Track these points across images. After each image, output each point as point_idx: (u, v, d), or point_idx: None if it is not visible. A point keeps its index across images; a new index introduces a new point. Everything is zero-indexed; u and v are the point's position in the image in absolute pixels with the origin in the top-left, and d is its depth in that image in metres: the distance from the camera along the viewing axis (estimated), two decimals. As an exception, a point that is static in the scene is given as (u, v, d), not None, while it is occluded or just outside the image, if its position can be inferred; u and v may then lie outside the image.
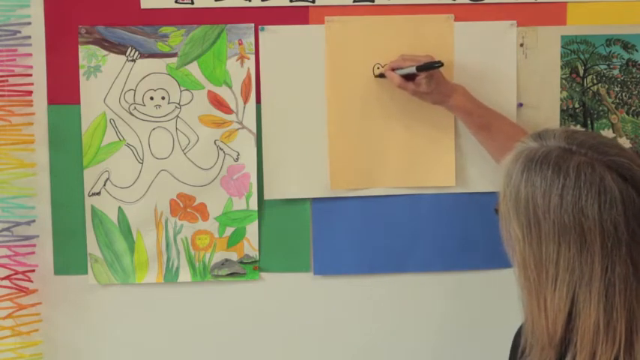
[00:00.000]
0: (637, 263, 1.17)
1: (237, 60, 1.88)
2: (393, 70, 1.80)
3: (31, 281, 1.89)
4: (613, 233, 1.16)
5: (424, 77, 1.76)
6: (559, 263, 1.18)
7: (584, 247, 1.16)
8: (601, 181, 1.17)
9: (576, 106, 1.92)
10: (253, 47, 1.88)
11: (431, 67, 1.75)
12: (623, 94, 1.93)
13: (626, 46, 1.91)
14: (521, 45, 1.90)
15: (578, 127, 1.92)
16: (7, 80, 1.85)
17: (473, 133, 1.84)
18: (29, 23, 1.85)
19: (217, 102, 1.89)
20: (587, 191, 1.16)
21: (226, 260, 1.92)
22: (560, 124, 1.91)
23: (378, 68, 1.88)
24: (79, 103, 1.87)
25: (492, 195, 1.92)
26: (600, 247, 1.16)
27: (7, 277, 1.88)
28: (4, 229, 1.88)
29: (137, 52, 1.87)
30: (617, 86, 1.92)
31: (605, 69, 1.92)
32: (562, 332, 1.19)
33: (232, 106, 1.89)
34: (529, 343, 1.25)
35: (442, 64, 1.74)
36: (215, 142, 1.90)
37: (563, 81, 1.92)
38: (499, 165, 1.69)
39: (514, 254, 1.25)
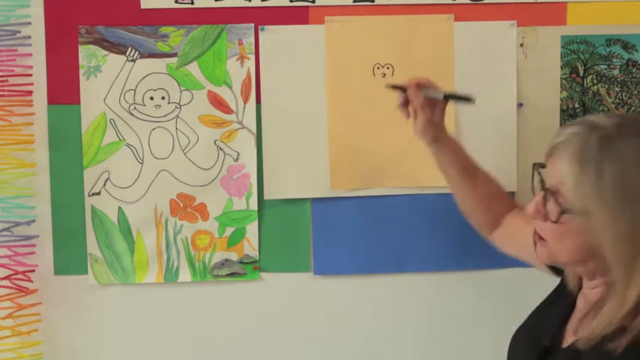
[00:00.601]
0: None
1: (237, 60, 1.88)
2: (418, 87, 1.66)
3: (31, 281, 1.89)
4: None
5: (442, 107, 1.65)
6: None
7: None
8: None
9: (576, 106, 1.92)
10: (253, 47, 1.88)
11: (463, 99, 1.62)
12: (623, 94, 1.93)
13: (626, 46, 1.91)
14: (521, 45, 1.90)
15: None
16: (7, 80, 1.85)
17: (456, 177, 1.70)
18: (29, 23, 1.85)
19: (217, 102, 1.89)
20: None
21: (226, 260, 1.92)
22: (560, 124, 1.91)
23: (378, 68, 1.88)
24: (79, 103, 1.88)
25: (492, 195, 1.92)
26: None
27: (7, 277, 1.88)
28: (4, 229, 1.88)
29: (137, 52, 1.87)
30: (617, 86, 1.92)
31: (605, 69, 1.92)
32: None
33: (232, 106, 1.89)
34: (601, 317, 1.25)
35: (474, 101, 1.62)
36: (215, 142, 1.90)
37: (563, 81, 1.92)
38: (478, 223, 1.70)
39: (606, 247, 1.22)
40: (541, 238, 1.31)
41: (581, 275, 1.36)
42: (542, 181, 1.31)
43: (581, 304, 1.37)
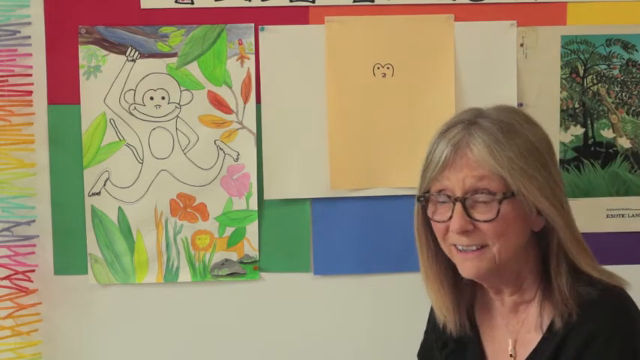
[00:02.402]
0: None
1: (237, 60, 1.88)
2: None
3: (31, 281, 1.89)
4: None
5: None
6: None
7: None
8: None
9: (576, 106, 1.92)
10: (253, 47, 1.88)
11: None
12: (623, 94, 1.93)
13: (626, 46, 1.91)
14: (521, 45, 1.90)
15: (578, 128, 1.92)
16: (7, 80, 1.85)
17: None
18: (29, 23, 1.85)
19: (217, 102, 1.89)
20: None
21: (226, 260, 1.92)
22: (560, 124, 1.91)
23: (378, 68, 1.88)
24: (79, 103, 1.88)
25: (492, 195, 1.92)
26: None
27: (7, 277, 1.88)
28: (4, 229, 1.88)
29: (137, 52, 1.87)
30: (617, 86, 1.92)
31: (605, 69, 1.92)
32: None
33: (232, 106, 1.89)
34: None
35: None
36: (215, 142, 1.90)
37: (563, 81, 1.92)
38: None
39: (556, 198, 1.25)
40: (478, 249, 1.25)
41: (501, 286, 1.30)
42: (446, 199, 1.26)
43: (492, 344, 1.34)
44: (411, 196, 1.91)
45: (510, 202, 1.22)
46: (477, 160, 1.22)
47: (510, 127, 1.23)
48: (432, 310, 1.39)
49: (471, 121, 1.25)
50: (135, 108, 1.89)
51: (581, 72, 1.92)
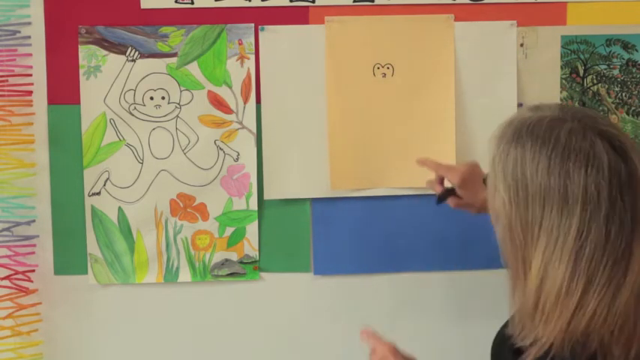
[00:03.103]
0: (610, 233, 1.16)
1: (237, 60, 1.88)
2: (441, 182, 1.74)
3: (31, 281, 1.89)
4: (595, 198, 1.16)
5: (456, 194, 1.70)
6: (542, 225, 1.18)
7: (566, 208, 1.17)
8: (591, 147, 1.17)
9: (576, 105, 1.92)
10: (253, 47, 1.88)
11: (447, 195, 1.71)
12: (623, 94, 1.93)
13: (626, 46, 1.91)
14: (521, 45, 1.90)
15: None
16: (7, 80, 1.85)
17: None
18: (29, 23, 1.85)
19: (217, 102, 1.89)
20: (575, 155, 1.17)
21: (226, 260, 1.92)
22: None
23: (378, 68, 1.88)
24: (79, 103, 1.88)
25: (492, 195, 1.92)
26: (580, 211, 1.16)
27: (7, 277, 1.88)
28: (4, 229, 1.88)
29: (137, 52, 1.87)
30: (617, 86, 1.92)
31: (605, 69, 1.92)
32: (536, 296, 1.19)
33: (232, 106, 1.89)
34: (515, 314, 1.24)
35: (453, 190, 1.69)
36: (215, 142, 1.90)
37: (563, 81, 1.92)
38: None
39: (499, 219, 1.24)
40: None
41: None
42: None
43: None
44: (411, 196, 1.93)
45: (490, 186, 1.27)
46: None
47: None
48: None
49: None
50: (135, 108, 1.89)
51: (581, 72, 1.92)
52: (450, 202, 1.71)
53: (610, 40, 1.91)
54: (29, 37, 1.86)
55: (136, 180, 1.90)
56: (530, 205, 1.19)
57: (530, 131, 1.21)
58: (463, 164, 1.71)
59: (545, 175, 1.18)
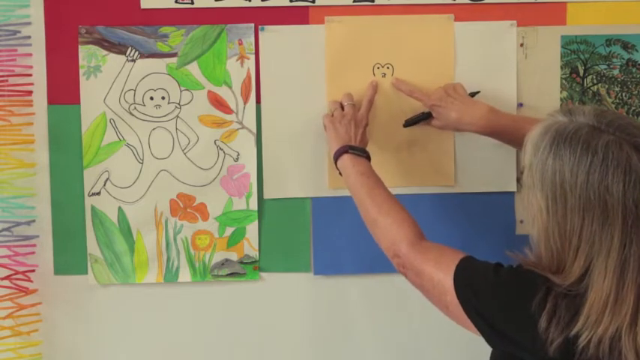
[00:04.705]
0: None
1: (237, 60, 1.88)
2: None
3: (31, 281, 1.89)
4: (634, 212, 1.22)
5: (430, 118, 1.82)
6: (582, 235, 1.24)
7: (607, 222, 1.22)
8: (627, 161, 1.22)
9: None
10: (253, 47, 1.88)
11: (418, 120, 1.85)
12: (623, 94, 1.93)
13: (626, 46, 1.91)
14: (521, 45, 1.90)
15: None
16: (7, 80, 1.85)
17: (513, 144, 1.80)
18: (29, 23, 1.85)
19: (217, 102, 1.89)
20: (613, 169, 1.22)
21: (226, 260, 1.92)
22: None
23: (378, 68, 1.88)
24: (79, 103, 1.88)
25: (492, 195, 1.92)
26: (621, 224, 1.22)
27: (7, 277, 1.88)
28: (4, 229, 1.88)
29: (137, 52, 1.87)
30: (617, 86, 1.92)
31: (605, 69, 1.92)
32: None
33: (232, 106, 1.89)
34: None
35: (429, 114, 1.82)
36: (215, 142, 1.90)
37: (563, 81, 1.92)
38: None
39: (535, 223, 1.30)
40: None
41: None
42: None
43: None
44: (411, 196, 1.92)
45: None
46: None
47: None
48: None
49: None
50: (135, 108, 1.89)
51: (581, 72, 1.92)
52: (427, 124, 1.83)
53: (610, 40, 1.91)
54: (29, 37, 1.86)
55: (135, 180, 1.90)
56: (568, 215, 1.25)
57: (568, 142, 1.25)
58: (438, 88, 1.82)
59: (584, 190, 1.23)
